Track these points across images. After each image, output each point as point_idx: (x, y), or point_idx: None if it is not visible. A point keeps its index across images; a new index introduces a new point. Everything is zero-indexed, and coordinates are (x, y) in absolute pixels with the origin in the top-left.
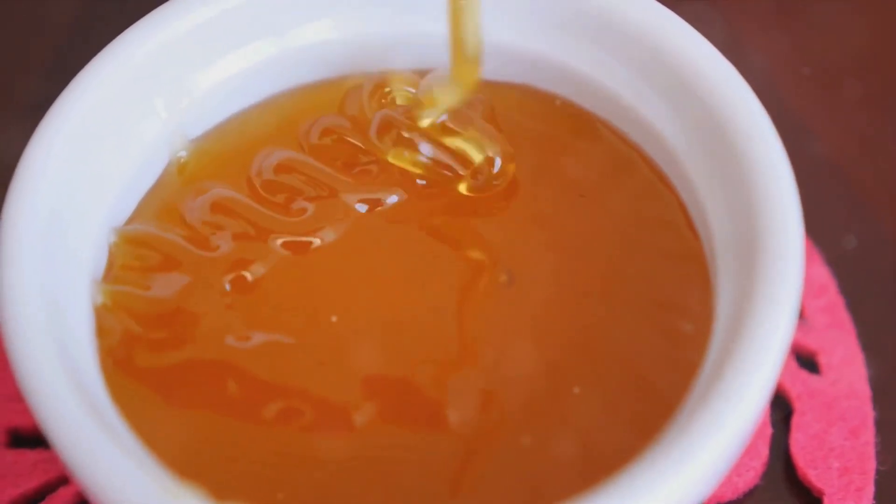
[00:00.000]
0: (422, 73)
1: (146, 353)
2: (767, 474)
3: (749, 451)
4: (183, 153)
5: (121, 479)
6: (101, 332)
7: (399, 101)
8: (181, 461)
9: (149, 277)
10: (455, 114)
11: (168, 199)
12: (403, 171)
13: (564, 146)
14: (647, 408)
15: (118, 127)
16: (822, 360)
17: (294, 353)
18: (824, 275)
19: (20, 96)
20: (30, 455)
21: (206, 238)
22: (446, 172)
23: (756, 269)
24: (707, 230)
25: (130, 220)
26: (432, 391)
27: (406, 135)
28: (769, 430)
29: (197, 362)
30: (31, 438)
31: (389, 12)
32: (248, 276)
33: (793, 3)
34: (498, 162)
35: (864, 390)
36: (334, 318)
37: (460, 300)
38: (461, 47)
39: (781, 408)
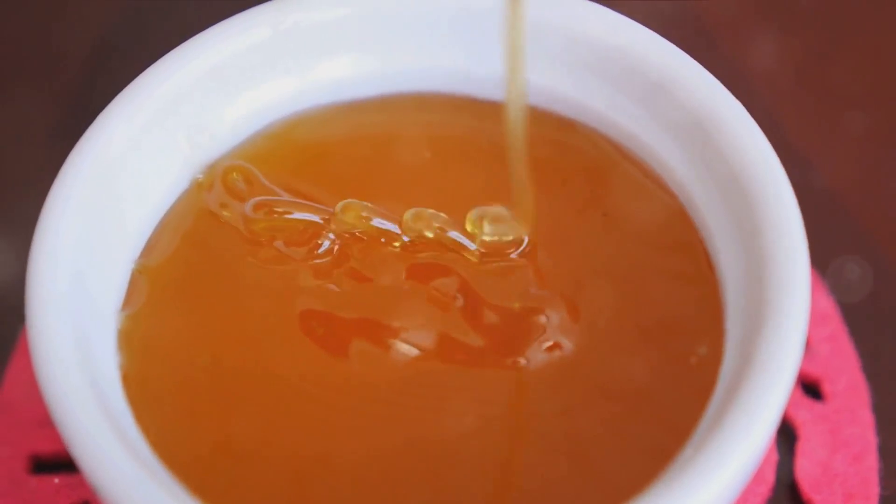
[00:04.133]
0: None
1: (167, 376)
2: (773, 500)
3: (755, 477)
4: (200, 175)
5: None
6: (124, 356)
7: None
8: (203, 482)
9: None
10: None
11: (187, 225)
12: None
13: (587, 169)
14: (660, 434)
15: (141, 163)
16: (827, 387)
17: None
18: (828, 304)
19: (41, 133)
20: (52, 480)
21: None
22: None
23: (765, 301)
24: (717, 256)
25: (149, 248)
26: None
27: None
28: (775, 457)
29: (217, 382)
30: (54, 464)
31: (410, 48)
32: None
33: (795, 35)
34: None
35: (867, 417)
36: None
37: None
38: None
39: (787, 434)
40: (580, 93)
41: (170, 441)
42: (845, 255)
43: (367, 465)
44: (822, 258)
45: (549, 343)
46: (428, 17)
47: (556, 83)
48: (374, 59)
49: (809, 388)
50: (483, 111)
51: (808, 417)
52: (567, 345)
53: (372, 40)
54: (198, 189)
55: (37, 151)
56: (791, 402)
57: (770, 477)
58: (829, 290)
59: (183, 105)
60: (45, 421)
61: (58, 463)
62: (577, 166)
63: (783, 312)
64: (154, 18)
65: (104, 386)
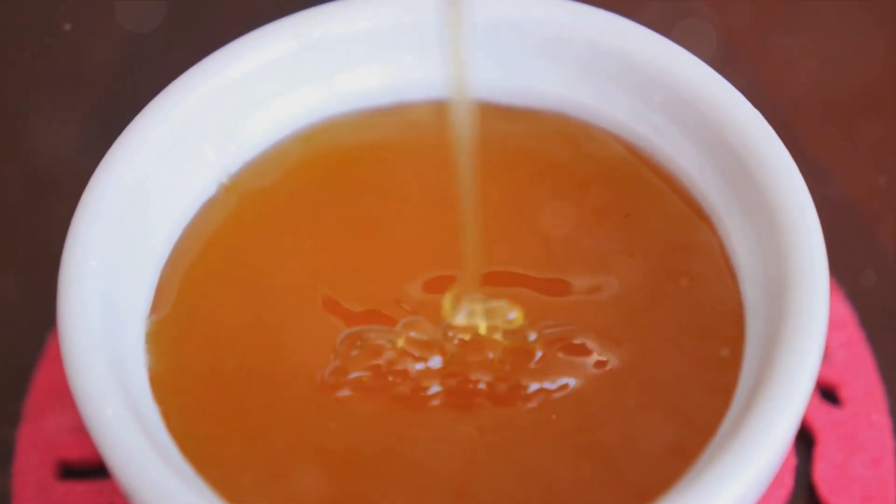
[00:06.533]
0: None
1: (194, 378)
2: (792, 503)
3: (774, 481)
4: (225, 180)
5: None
6: (152, 359)
7: None
8: (231, 483)
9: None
10: None
11: (213, 230)
12: None
13: (607, 175)
14: (681, 436)
15: (168, 173)
16: (844, 392)
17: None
18: (844, 310)
19: (72, 141)
20: (79, 486)
21: None
22: None
23: (785, 307)
24: (737, 263)
25: (176, 253)
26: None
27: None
28: (793, 461)
29: (243, 384)
30: (81, 470)
31: (434, 59)
32: None
33: (811, 44)
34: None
35: (884, 422)
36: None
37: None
38: None
39: (805, 439)
40: (601, 101)
41: (198, 442)
42: (862, 263)
43: (395, 465)
44: (838, 265)
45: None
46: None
47: (576, 92)
48: (397, 69)
49: (827, 393)
50: (509, 117)
51: (826, 422)
52: (612, 360)
53: (396, 51)
54: (226, 192)
55: (66, 160)
56: (809, 408)
57: (789, 481)
58: (846, 296)
59: (208, 116)
60: (72, 427)
61: (85, 469)
62: (598, 172)
63: (803, 318)
64: (179, 32)
65: (134, 390)
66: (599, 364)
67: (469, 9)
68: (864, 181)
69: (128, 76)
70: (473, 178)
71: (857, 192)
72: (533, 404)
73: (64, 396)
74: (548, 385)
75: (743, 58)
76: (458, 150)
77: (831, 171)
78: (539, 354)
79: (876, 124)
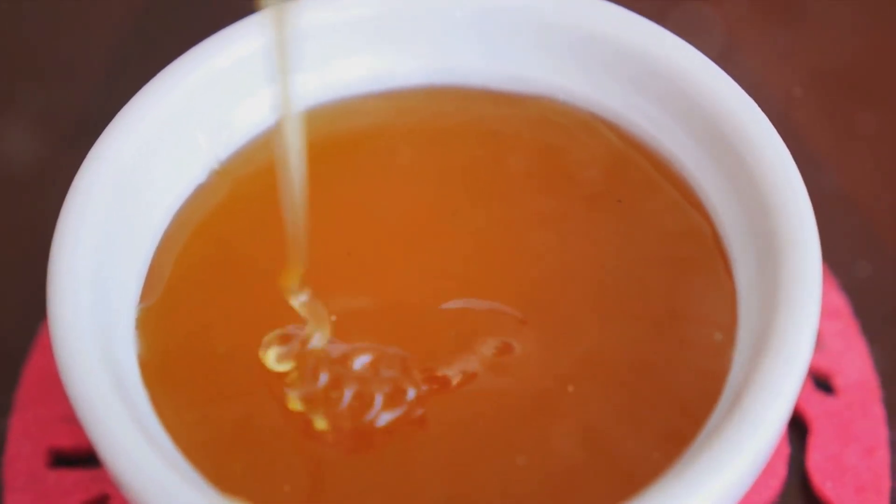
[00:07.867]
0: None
1: (184, 364)
2: (785, 493)
3: (767, 471)
4: (217, 166)
5: (170, 494)
6: (142, 346)
7: None
8: (220, 469)
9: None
10: None
11: (204, 217)
12: None
13: (602, 162)
14: (675, 422)
15: (159, 161)
16: (838, 381)
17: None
18: (839, 300)
19: (60, 131)
20: (71, 475)
21: None
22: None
23: (778, 290)
24: (732, 253)
25: (167, 240)
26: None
27: None
28: (787, 450)
29: (233, 370)
30: (72, 458)
31: (423, 46)
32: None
33: (809, 38)
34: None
35: (878, 411)
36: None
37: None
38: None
39: (798, 428)
40: (594, 89)
41: (188, 429)
42: (857, 253)
43: (384, 450)
44: (833, 256)
45: None
46: (440, 15)
47: (570, 79)
48: (386, 57)
49: (821, 382)
50: (501, 103)
51: (820, 411)
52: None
53: (385, 39)
54: (216, 178)
55: (56, 150)
56: (803, 397)
57: (782, 470)
58: (840, 286)
59: (200, 103)
60: (64, 416)
61: (77, 458)
62: (590, 159)
63: (795, 305)
64: (171, 21)
65: (124, 378)
66: (591, 349)
67: (293, 30)
68: (859, 172)
69: (118, 66)
70: (304, 187)
71: (851, 183)
72: (525, 390)
73: (55, 385)
74: (539, 371)
75: (740, 49)
76: (289, 163)
77: (826, 162)
78: (527, 343)
79: (871, 116)
